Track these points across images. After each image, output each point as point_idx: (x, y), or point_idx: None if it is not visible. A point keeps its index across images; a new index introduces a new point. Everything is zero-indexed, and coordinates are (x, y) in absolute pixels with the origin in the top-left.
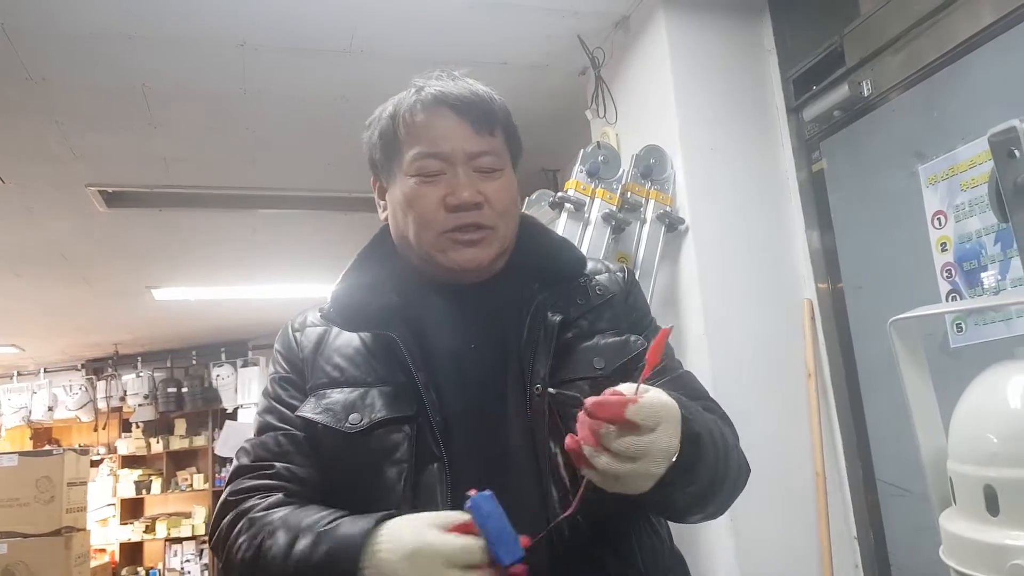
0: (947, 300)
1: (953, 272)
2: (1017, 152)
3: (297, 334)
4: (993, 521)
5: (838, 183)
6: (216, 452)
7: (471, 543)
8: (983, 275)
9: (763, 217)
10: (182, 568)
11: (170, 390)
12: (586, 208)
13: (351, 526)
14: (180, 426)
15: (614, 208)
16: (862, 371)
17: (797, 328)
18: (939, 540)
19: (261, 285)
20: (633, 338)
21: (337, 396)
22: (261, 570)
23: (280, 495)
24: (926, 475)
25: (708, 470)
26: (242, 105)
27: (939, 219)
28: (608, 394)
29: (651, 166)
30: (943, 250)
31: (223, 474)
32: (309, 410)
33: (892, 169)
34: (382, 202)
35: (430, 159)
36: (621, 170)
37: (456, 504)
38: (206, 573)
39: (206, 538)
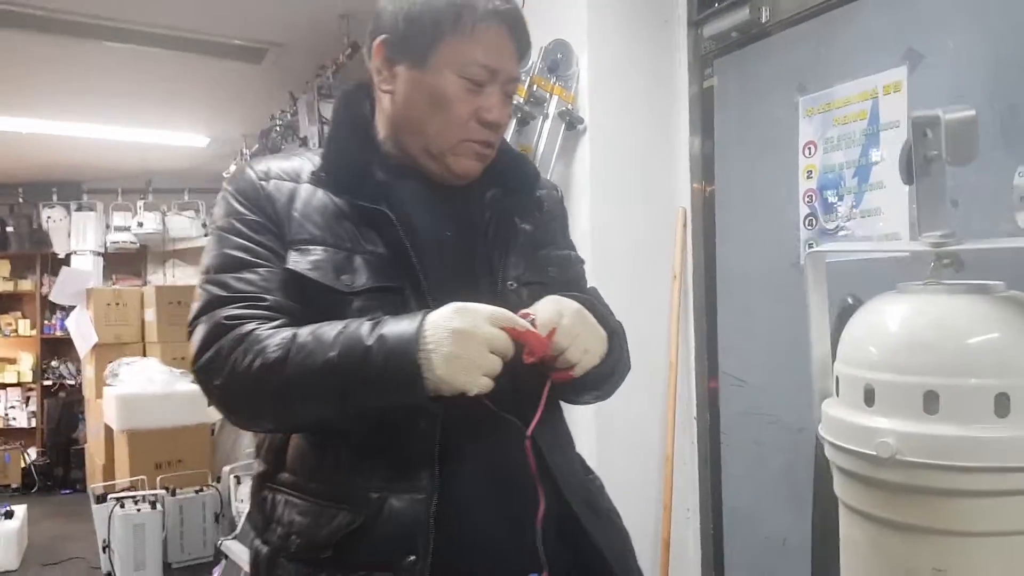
0: (804, 223)
1: (813, 198)
2: (930, 133)
3: (264, 183)
4: (868, 410)
5: (724, 102)
6: (51, 299)
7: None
8: (839, 204)
9: (654, 126)
10: (6, 414)
11: None
12: None
13: (398, 322)
14: (3, 267)
15: (521, 100)
16: (720, 276)
17: (670, 233)
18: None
19: (108, 125)
20: (573, 255)
21: (322, 254)
22: (293, 368)
23: (284, 320)
24: (813, 372)
25: (617, 345)
26: None
27: (809, 148)
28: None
29: (558, 61)
30: (808, 177)
31: (54, 321)
32: (298, 265)
33: (775, 96)
34: (386, 72)
35: (484, 70)
36: (530, 62)
37: None
38: (33, 420)
39: (33, 385)
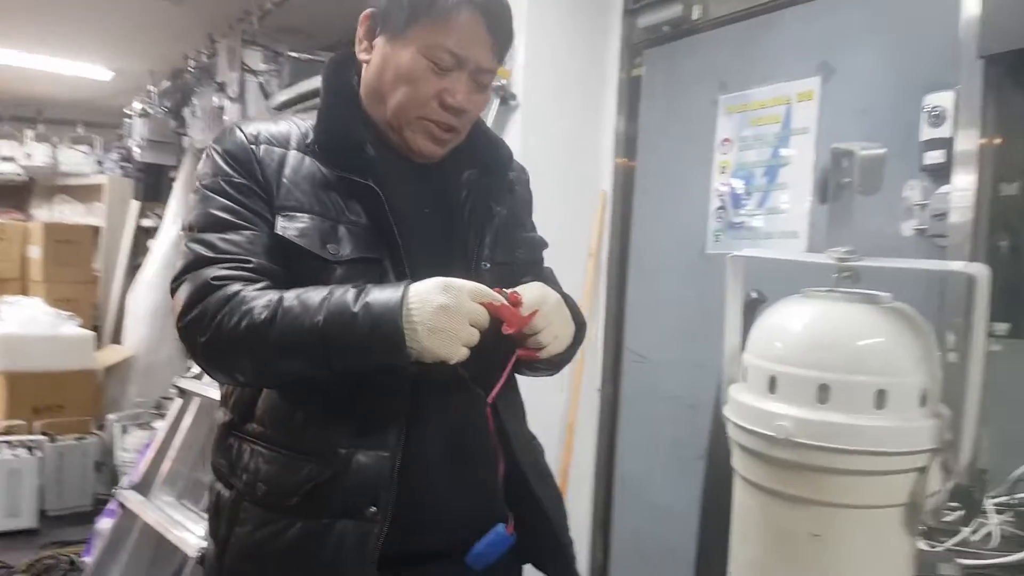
0: (714, 215)
1: (724, 192)
2: (846, 163)
3: (254, 147)
4: (770, 397)
5: (651, 91)
6: None
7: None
8: (747, 200)
9: (583, 107)
10: None
11: None
12: None
13: (382, 291)
14: None
15: None
16: (633, 258)
17: (590, 213)
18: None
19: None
20: (537, 238)
21: (309, 222)
22: (279, 330)
23: (268, 283)
24: (725, 360)
25: (580, 336)
26: None
27: (725, 145)
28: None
29: None
30: (722, 171)
31: None
32: (286, 231)
33: (698, 92)
34: (366, 43)
35: (451, 56)
36: None
37: None
38: None
39: None
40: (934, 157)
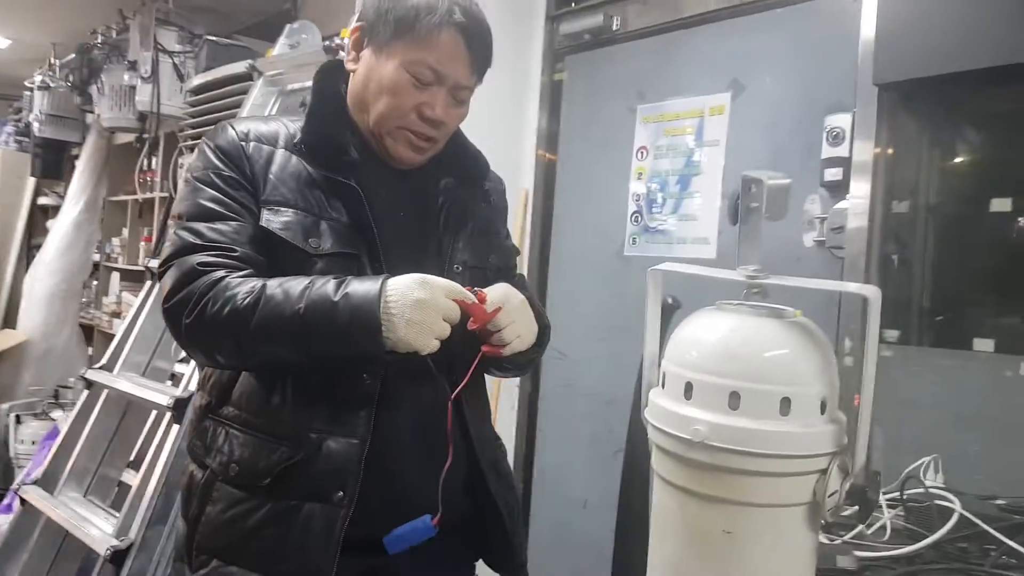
0: (631, 219)
1: (640, 197)
2: (755, 189)
3: (244, 144)
4: (686, 402)
5: (572, 96)
6: None
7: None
8: (662, 206)
9: (507, 109)
10: None
11: None
12: None
13: (361, 283)
14: None
15: None
16: (554, 256)
17: (513, 212)
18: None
19: None
20: (510, 245)
21: (292, 216)
22: (261, 316)
23: (252, 272)
24: (644, 366)
25: (544, 338)
26: None
27: (642, 152)
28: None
29: None
30: (638, 178)
31: None
32: (270, 224)
33: (616, 100)
34: (355, 53)
35: (431, 72)
36: None
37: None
38: None
39: None
40: (833, 174)
